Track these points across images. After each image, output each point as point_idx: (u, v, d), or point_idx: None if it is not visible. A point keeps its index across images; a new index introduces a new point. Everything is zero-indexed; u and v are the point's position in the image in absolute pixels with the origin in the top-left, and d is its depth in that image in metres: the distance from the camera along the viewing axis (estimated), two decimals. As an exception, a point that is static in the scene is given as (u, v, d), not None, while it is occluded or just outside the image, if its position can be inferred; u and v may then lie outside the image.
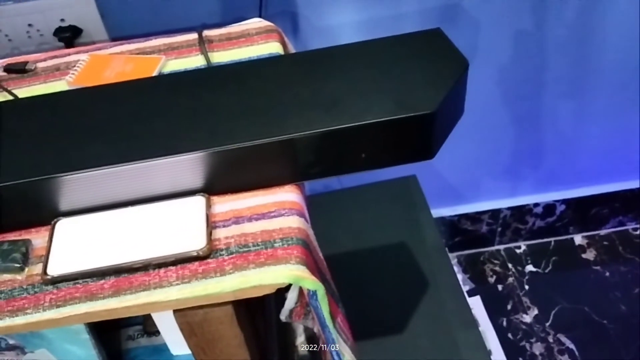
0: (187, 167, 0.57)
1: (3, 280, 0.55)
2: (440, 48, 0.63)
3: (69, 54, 0.80)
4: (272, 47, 0.77)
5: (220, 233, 0.56)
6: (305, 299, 0.64)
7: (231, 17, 0.95)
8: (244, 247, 0.55)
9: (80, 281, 0.54)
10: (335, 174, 0.60)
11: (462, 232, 1.40)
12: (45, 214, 0.58)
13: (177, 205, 0.58)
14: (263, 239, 0.55)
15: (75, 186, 0.57)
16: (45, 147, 0.59)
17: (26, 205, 0.58)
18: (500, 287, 1.38)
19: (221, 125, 0.59)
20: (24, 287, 0.54)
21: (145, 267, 0.54)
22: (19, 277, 0.55)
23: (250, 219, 0.57)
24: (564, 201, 1.38)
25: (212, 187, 0.59)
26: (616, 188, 1.38)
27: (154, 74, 0.73)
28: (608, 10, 1.06)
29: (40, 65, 0.79)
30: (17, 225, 0.59)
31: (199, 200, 0.58)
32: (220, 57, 0.76)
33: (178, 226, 0.56)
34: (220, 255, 0.55)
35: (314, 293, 0.56)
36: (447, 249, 1.39)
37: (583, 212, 1.42)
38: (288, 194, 0.59)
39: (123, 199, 0.59)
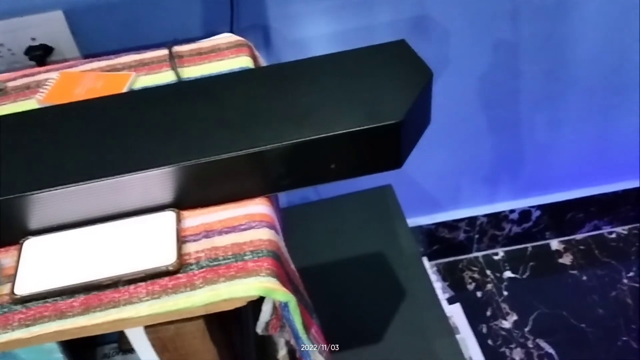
0: (157, 182, 0.57)
1: (-29, 301, 0.54)
2: (405, 59, 0.64)
3: (39, 72, 0.80)
4: (242, 61, 0.77)
5: (190, 247, 0.56)
6: (279, 312, 0.64)
7: (203, 32, 0.95)
8: (215, 261, 0.55)
9: (50, 300, 0.53)
10: (305, 185, 0.61)
11: (440, 240, 1.41)
12: (14, 233, 0.58)
13: (148, 221, 0.58)
14: (233, 252, 0.56)
15: (44, 204, 0.57)
16: (14, 165, 0.59)
17: (-6, 224, 0.57)
18: (479, 293, 1.39)
19: (191, 140, 0.59)
20: (-7, 307, 0.54)
21: (115, 283, 0.54)
22: (-13, 297, 0.54)
23: (220, 233, 0.57)
24: (539, 207, 1.39)
25: (183, 202, 0.59)
26: (591, 192, 1.40)
27: (124, 90, 0.74)
28: (579, 19, 1.08)
29: (11, 84, 0.78)
30: (-15, 245, 0.58)
31: (169, 215, 0.58)
32: (191, 72, 0.76)
33: (148, 242, 0.56)
34: (191, 269, 0.55)
35: (286, 304, 0.56)
36: (425, 257, 1.40)
37: (558, 217, 1.43)
38: (258, 207, 0.59)
39: (93, 216, 0.58)
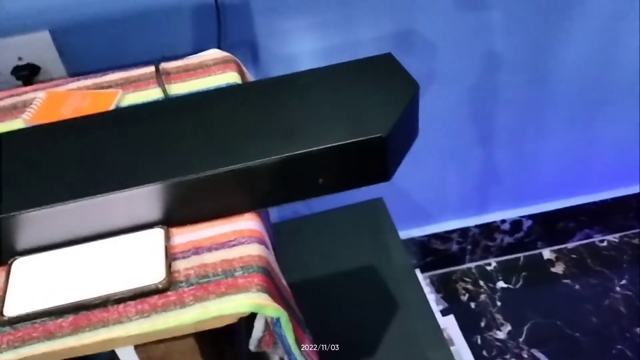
0: (144, 199, 0.57)
1: (-42, 323, 0.53)
2: (391, 72, 0.65)
3: (26, 92, 0.80)
4: (229, 77, 0.77)
5: (179, 265, 0.56)
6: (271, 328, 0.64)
7: (190, 49, 0.95)
8: (204, 278, 0.55)
9: (38, 321, 0.53)
10: (293, 200, 0.61)
11: (432, 252, 1.41)
12: (2, 254, 0.57)
13: (136, 239, 0.57)
14: (223, 269, 0.55)
15: (32, 224, 0.56)
16: (1, 185, 0.59)
17: (-19, 246, 0.57)
18: (473, 304, 1.39)
19: (178, 156, 0.59)
20: (-20, 329, 0.53)
21: (104, 303, 0.53)
22: (-26, 319, 0.54)
23: (210, 249, 0.57)
24: (530, 216, 1.40)
25: (171, 219, 0.59)
26: (581, 201, 1.40)
27: (111, 108, 0.74)
28: (564, 30, 1.09)
29: (-2, 104, 0.78)
30: (-28, 266, 0.58)
31: (158, 233, 0.58)
32: (178, 88, 0.76)
33: (137, 260, 0.56)
34: (180, 287, 0.54)
35: (277, 320, 0.56)
36: (418, 269, 1.40)
37: (550, 226, 1.44)
38: (247, 222, 0.59)
39: (81, 235, 0.58)
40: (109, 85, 0.78)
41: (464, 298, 1.41)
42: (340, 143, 0.57)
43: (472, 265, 1.46)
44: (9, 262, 0.57)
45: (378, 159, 0.59)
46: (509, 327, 1.34)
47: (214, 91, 0.70)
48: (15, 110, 0.77)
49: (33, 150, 0.63)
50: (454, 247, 1.42)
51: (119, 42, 0.94)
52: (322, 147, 0.57)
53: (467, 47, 1.07)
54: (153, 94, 0.76)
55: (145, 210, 0.58)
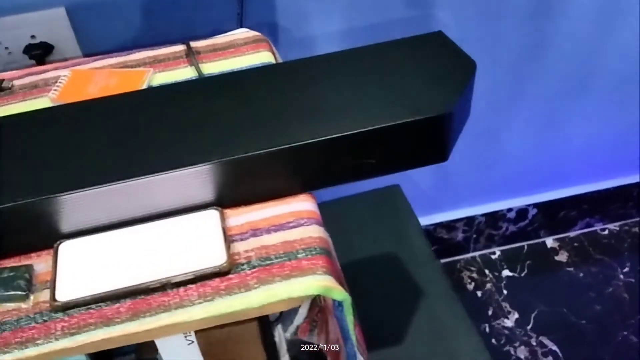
0: (198, 179, 0.54)
1: (6, 310, 0.50)
2: (445, 50, 0.63)
3: (47, 71, 0.76)
4: (263, 57, 0.75)
5: (238, 247, 0.54)
6: (313, 314, 0.62)
7: (209, 30, 0.92)
8: (266, 260, 0.52)
9: (94, 306, 0.50)
10: (349, 180, 0.59)
11: (438, 241, 1.40)
12: (47, 237, 0.54)
13: (190, 220, 0.55)
14: (285, 251, 0.53)
15: (78, 206, 0.53)
16: (40, 165, 0.55)
17: (25, 228, 0.54)
18: (479, 293, 1.39)
19: (228, 135, 0.56)
20: (31, 315, 0.50)
21: (163, 286, 0.51)
22: (24, 305, 0.50)
23: (268, 231, 0.55)
24: (535, 205, 1.40)
25: (224, 200, 0.56)
26: (584, 190, 1.41)
27: (143, 86, 0.70)
28: (561, 19, 1.08)
29: (17, 82, 0.74)
30: (15, 250, 0.54)
31: (213, 214, 0.55)
32: (210, 68, 0.74)
33: (193, 242, 0.53)
34: (242, 269, 0.52)
35: (340, 304, 0.54)
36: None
37: (553, 215, 1.44)
38: (304, 203, 0.57)
39: (129, 217, 0.55)
40: (136, 65, 0.75)
41: (470, 287, 1.40)
42: (402, 121, 0.55)
43: (477, 254, 1.46)
44: (55, 245, 0.54)
45: (439, 138, 0.57)
46: (516, 315, 1.34)
47: (253, 70, 0.68)
48: (36, 89, 0.73)
49: (68, 128, 0.60)
50: (459, 235, 1.41)
51: (135, 23, 0.90)
52: (384, 125, 0.55)
53: (490, 34, 1.06)
54: (184, 73, 0.73)
55: (198, 191, 0.55)
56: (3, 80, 0.74)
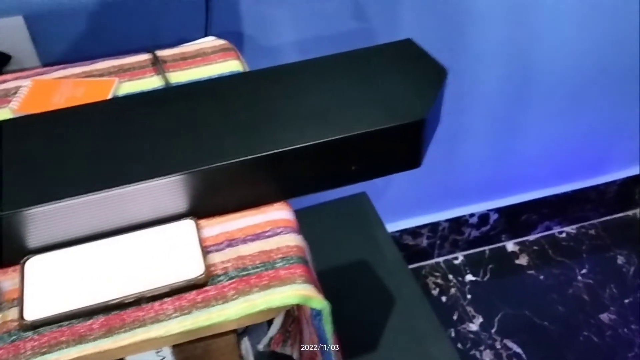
0: (172, 190, 0.53)
1: (-28, 330, 0.48)
2: (415, 57, 0.63)
3: (5, 81, 0.73)
4: (231, 65, 0.74)
5: (215, 258, 0.52)
6: (287, 325, 0.61)
7: (174, 39, 0.91)
8: (244, 271, 0.51)
9: (65, 323, 0.48)
10: (325, 188, 0.58)
11: (403, 247, 1.41)
12: (11, 253, 0.52)
13: (164, 232, 0.53)
14: (262, 260, 0.52)
15: (45, 220, 0.51)
16: (2, 179, 0.53)
17: (-11, 244, 0.51)
18: (444, 298, 1.40)
19: (202, 144, 0.55)
20: (-1, 335, 0.48)
21: (137, 301, 0.49)
22: (-10, 325, 0.48)
23: (244, 241, 0.54)
24: (497, 210, 1.42)
25: (198, 210, 0.55)
26: (544, 194, 1.44)
27: (109, 96, 0.69)
28: (539, 22, 1.11)
29: (-26, 93, 0.71)
30: (-21, 267, 0.52)
31: (188, 224, 0.54)
32: (178, 77, 0.72)
33: (168, 254, 0.52)
34: (219, 281, 0.51)
35: (318, 313, 0.53)
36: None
37: (514, 219, 1.47)
38: (280, 212, 0.56)
39: (100, 230, 0.53)
40: (101, 74, 0.73)
41: (435, 292, 1.41)
42: (379, 127, 0.55)
43: (440, 259, 1.48)
44: (22, 261, 0.51)
45: (414, 144, 0.58)
46: (480, 319, 1.36)
47: (224, 78, 0.67)
48: (-3, 99, 0.70)
49: (35, 140, 0.58)
50: (424, 242, 1.42)
51: (98, 31, 0.88)
52: (360, 131, 0.55)
53: (443, 41, 1.08)
54: (151, 82, 0.72)
55: (172, 202, 0.54)
56: (-41, 90, 0.71)
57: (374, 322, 0.90)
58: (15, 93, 0.70)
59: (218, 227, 0.55)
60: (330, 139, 0.55)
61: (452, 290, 1.42)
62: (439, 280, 1.44)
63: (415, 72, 0.62)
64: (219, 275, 0.51)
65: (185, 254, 0.51)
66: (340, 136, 0.55)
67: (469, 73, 1.14)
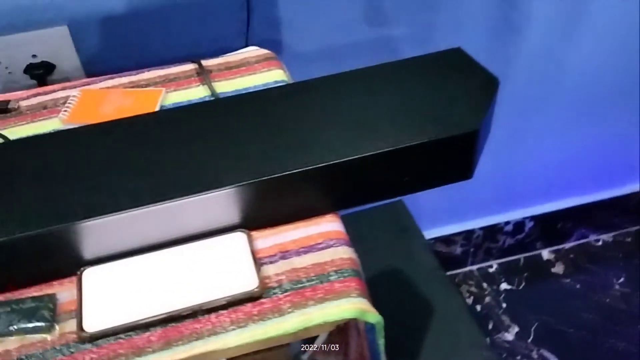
0: (225, 202, 0.53)
1: (31, 342, 0.48)
2: (465, 66, 0.63)
3: (54, 91, 0.74)
4: (275, 75, 0.74)
5: (269, 270, 0.52)
6: (332, 335, 0.61)
7: (215, 48, 0.91)
8: (298, 283, 0.51)
9: (123, 335, 0.48)
10: (376, 199, 0.58)
11: (436, 255, 1.39)
12: (68, 264, 0.52)
13: (217, 244, 0.53)
14: (316, 273, 0.52)
15: (101, 232, 0.52)
16: (59, 190, 0.54)
17: (46, 256, 0.52)
18: (479, 307, 1.39)
19: (253, 156, 0.55)
20: (57, 347, 0.48)
21: (194, 313, 0.49)
22: (49, 337, 0.48)
23: (298, 253, 0.54)
24: (532, 217, 1.41)
25: (251, 222, 0.55)
26: (579, 202, 1.42)
27: (157, 107, 0.69)
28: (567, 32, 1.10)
29: (24, 103, 0.72)
30: (36, 279, 0.52)
31: (241, 237, 0.54)
32: (223, 87, 0.73)
33: (222, 266, 0.52)
34: (274, 294, 0.51)
35: (372, 326, 0.53)
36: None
37: (549, 227, 1.45)
38: (331, 224, 0.56)
39: (154, 242, 0.54)
40: (147, 84, 0.74)
41: (470, 301, 1.40)
42: (433, 139, 0.54)
43: (474, 267, 1.46)
44: (79, 272, 0.52)
45: (466, 155, 0.57)
46: (516, 329, 1.34)
47: (271, 89, 0.67)
48: (46, 110, 0.71)
49: (86, 151, 0.58)
50: (458, 250, 1.41)
51: (139, 41, 0.89)
52: (413, 143, 0.54)
53: (468, 46, 1.07)
54: (197, 92, 0.72)
55: (225, 214, 0.54)
56: (9, 101, 0.72)
57: (414, 330, 0.89)
58: (65, 103, 0.71)
59: (271, 239, 0.55)
60: (384, 150, 0.54)
61: (487, 299, 1.40)
62: (473, 289, 1.42)
63: (466, 81, 0.61)
64: (274, 288, 0.51)
65: (239, 266, 0.51)
66: (393, 148, 0.54)
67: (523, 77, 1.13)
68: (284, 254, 0.54)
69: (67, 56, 0.87)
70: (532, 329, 1.34)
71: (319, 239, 0.55)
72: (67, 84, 0.75)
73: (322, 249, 0.54)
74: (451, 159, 0.57)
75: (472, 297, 1.41)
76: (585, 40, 1.12)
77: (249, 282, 0.50)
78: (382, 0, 0.95)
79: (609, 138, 1.32)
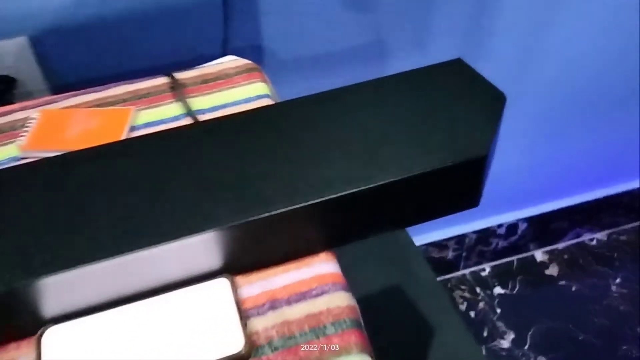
0: (205, 247, 0.47)
1: (-17, 421, 0.42)
2: (468, 80, 0.57)
3: (11, 111, 0.67)
4: (257, 88, 0.68)
5: (256, 324, 0.46)
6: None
7: (191, 56, 0.84)
8: (290, 339, 0.45)
9: (90, 409, 0.42)
10: (376, 233, 0.52)
11: (428, 260, 1.34)
12: (27, 324, 0.45)
13: (196, 294, 0.47)
14: (310, 326, 0.46)
15: (64, 287, 0.45)
16: (13, 239, 0.47)
17: (1, 316, 0.45)
18: (472, 313, 1.34)
19: (237, 192, 0.48)
20: None
21: (172, 380, 0.43)
22: (4, 413, 0.42)
23: (289, 302, 0.47)
24: (525, 219, 1.36)
25: (235, 266, 0.49)
26: (574, 201, 1.38)
27: (126, 128, 0.62)
28: (565, 27, 1.05)
29: (-23, 127, 0.65)
30: (-11, 341, 0.46)
31: (224, 284, 0.47)
32: (200, 103, 0.66)
33: (202, 322, 0.45)
34: (263, 352, 0.44)
35: (375, 382, 0.47)
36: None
37: (543, 227, 1.41)
38: (326, 265, 0.50)
39: (125, 294, 0.47)
40: (115, 102, 0.67)
41: (463, 307, 1.35)
42: (437, 167, 0.48)
43: (467, 271, 1.41)
44: (39, 332, 0.45)
45: (474, 182, 0.51)
46: (512, 335, 1.30)
47: (255, 110, 0.59)
48: (2, 134, 0.64)
49: (47, 193, 0.51)
50: (450, 254, 1.36)
51: (107, 51, 0.81)
52: (416, 173, 0.48)
53: (462, 48, 1.01)
54: (171, 110, 0.65)
55: (205, 260, 0.47)
56: (-40, 125, 0.64)
57: (407, 344, 0.84)
58: (23, 126, 0.64)
59: (258, 284, 0.49)
60: (384, 182, 0.48)
61: (481, 304, 1.35)
62: (466, 294, 1.37)
63: (469, 98, 0.55)
64: (263, 346, 0.45)
65: (223, 321, 0.45)
66: (395, 179, 0.48)
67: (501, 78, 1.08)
68: (273, 303, 0.47)
69: (29, 69, 0.79)
70: (529, 335, 1.30)
71: (313, 283, 0.48)
72: (27, 102, 0.68)
73: (316, 295, 0.48)
74: (456, 187, 0.51)
75: (465, 303, 1.36)
76: (584, 40, 1.07)
77: (234, 342, 0.44)
78: (371, 3, 0.89)
79: (600, 138, 1.28)
